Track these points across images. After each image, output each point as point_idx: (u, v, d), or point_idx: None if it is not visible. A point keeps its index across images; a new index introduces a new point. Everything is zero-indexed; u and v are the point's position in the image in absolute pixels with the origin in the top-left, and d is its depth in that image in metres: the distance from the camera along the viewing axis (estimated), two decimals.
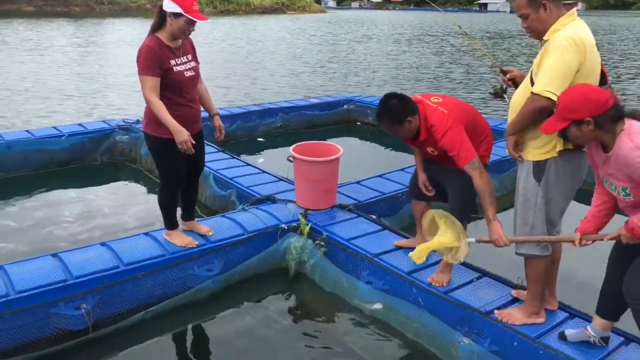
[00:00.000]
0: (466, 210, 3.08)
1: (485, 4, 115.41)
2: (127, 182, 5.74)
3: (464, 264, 3.21)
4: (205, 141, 3.57)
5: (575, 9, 2.56)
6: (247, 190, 4.45)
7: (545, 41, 2.50)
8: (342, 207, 4.11)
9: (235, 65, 15.79)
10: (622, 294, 2.29)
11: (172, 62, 3.11)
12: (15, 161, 5.61)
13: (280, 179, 4.75)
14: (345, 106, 8.45)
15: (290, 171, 4.27)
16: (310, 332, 3.23)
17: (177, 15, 3.02)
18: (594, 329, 2.55)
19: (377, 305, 3.27)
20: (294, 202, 4.14)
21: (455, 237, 2.62)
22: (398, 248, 3.53)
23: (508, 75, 2.94)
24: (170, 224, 3.49)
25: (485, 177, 2.80)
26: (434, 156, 3.09)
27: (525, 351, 2.64)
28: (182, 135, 3.03)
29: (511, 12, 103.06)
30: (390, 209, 4.43)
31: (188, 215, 3.64)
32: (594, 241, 2.36)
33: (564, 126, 2.14)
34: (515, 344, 2.68)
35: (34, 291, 2.87)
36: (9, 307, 2.79)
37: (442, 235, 2.64)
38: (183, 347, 3.15)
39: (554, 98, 2.36)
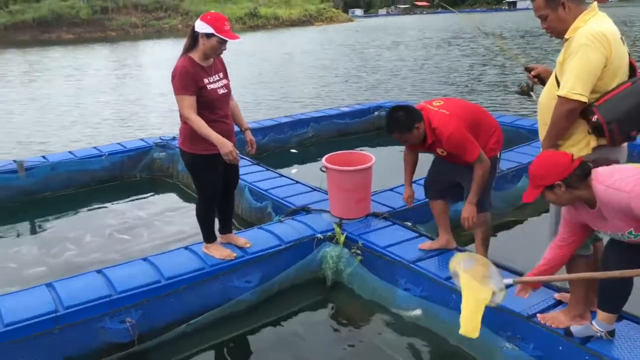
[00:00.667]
0: (484, 202, 3.22)
1: (514, 2, 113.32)
2: (165, 197, 5.90)
3: (503, 267, 3.15)
4: (240, 154, 3.64)
5: (595, 2, 2.51)
6: (282, 201, 4.50)
7: (567, 39, 2.47)
8: (376, 215, 4.10)
9: (265, 80, 16.00)
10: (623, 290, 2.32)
11: (206, 80, 3.19)
12: (60, 181, 5.84)
13: (314, 189, 4.79)
14: (376, 113, 8.44)
15: (324, 181, 4.30)
16: (351, 341, 3.23)
17: (209, 35, 3.10)
18: (600, 323, 2.49)
19: (417, 312, 3.24)
20: (328, 211, 4.16)
21: (482, 286, 2.50)
22: (435, 254, 3.49)
23: (533, 72, 2.92)
24: (209, 237, 3.56)
25: (485, 169, 3.03)
26: (445, 156, 3.23)
27: (570, 356, 2.57)
28: (226, 146, 3.10)
29: None
30: (425, 215, 4.37)
31: (225, 228, 3.71)
32: None
33: (538, 193, 2.24)
34: (560, 348, 2.61)
35: (81, 307, 2.97)
36: (57, 322, 2.90)
37: (471, 298, 2.50)
38: (224, 358, 3.19)
39: (584, 99, 2.35)
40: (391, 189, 4.66)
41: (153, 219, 5.18)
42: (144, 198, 5.84)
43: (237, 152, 3.17)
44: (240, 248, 3.62)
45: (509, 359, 2.75)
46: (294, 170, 6.43)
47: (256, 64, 20.24)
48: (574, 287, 2.66)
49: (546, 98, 2.63)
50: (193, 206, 3.55)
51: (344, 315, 3.54)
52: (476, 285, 2.50)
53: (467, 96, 11.56)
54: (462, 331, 2.50)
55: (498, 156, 3.30)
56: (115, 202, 5.67)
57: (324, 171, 4.09)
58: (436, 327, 3.16)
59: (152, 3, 60.78)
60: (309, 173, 5.66)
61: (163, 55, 25.21)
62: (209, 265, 3.42)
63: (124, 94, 13.94)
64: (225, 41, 3.15)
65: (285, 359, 3.07)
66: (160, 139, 6.65)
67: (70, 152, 6.28)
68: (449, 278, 3.18)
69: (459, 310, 2.99)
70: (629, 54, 2.52)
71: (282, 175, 5.26)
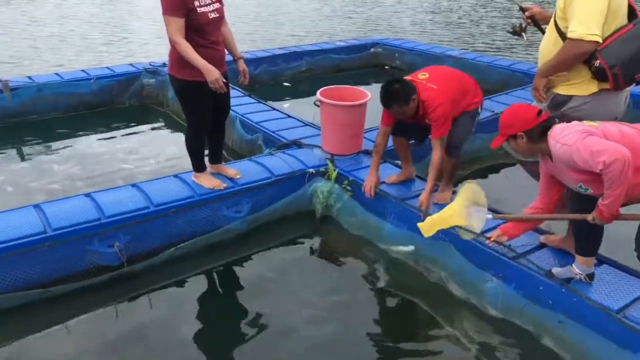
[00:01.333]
0: (457, 149, 3.41)
1: None
2: (155, 125, 5.81)
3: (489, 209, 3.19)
4: (230, 84, 3.54)
5: None
6: (274, 134, 4.45)
7: None
8: (368, 152, 4.08)
9: (258, 9, 15.44)
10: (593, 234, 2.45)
11: (196, 2, 3.05)
12: (47, 104, 5.70)
13: (306, 124, 4.72)
14: (372, 49, 8.23)
15: (316, 116, 4.24)
16: (336, 275, 3.31)
17: None
18: (579, 266, 2.58)
19: (403, 247, 3.30)
20: (320, 147, 4.13)
21: (465, 216, 2.54)
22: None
23: (527, 13, 2.92)
24: (198, 166, 3.53)
25: (441, 156, 3.20)
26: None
27: (551, 295, 2.65)
28: (212, 74, 3.01)
29: None
30: (416, 154, 4.35)
31: (216, 158, 3.68)
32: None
33: (504, 141, 2.43)
34: (540, 288, 2.68)
35: (69, 229, 2.97)
36: (47, 241, 2.91)
37: (450, 213, 2.55)
38: (212, 284, 3.26)
39: (599, 39, 2.33)
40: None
41: (142, 147, 5.12)
42: (134, 126, 5.74)
43: (225, 80, 3.07)
44: (230, 179, 3.60)
45: (494, 293, 2.83)
46: (286, 105, 6.33)
47: None
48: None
49: (547, 44, 2.61)
50: (183, 136, 3.49)
51: (331, 249, 3.60)
52: (460, 209, 2.55)
53: (467, 39, 11.28)
54: (420, 224, 2.66)
55: (479, 110, 3.46)
56: (105, 129, 5.57)
57: (317, 105, 4.02)
58: (422, 261, 3.23)
59: None
60: (302, 108, 5.57)
61: None
62: (198, 194, 3.41)
63: (115, 17, 13.41)
64: None
65: (272, 287, 3.14)
66: (150, 64, 6.45)
67: (57, 74, 6.08)
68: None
69: (444, 246, 3.07)
70: None
71: (274, 109, 5.17)
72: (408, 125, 3.44)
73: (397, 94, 3.13)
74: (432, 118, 3.18)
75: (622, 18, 2.43)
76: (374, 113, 4.47)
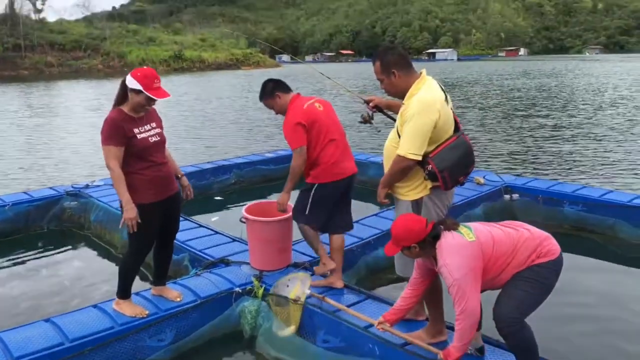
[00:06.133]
0: (300, 215, 3.75)
1: (434, 54, 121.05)
2: (75, 251, 5.54)
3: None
4: None
5: (424, 71, 2.98)
6: (200, 253, 4.38)
7: (404, 104, 2.89)
8: (297, 265, 4.08)
9: (184, 125, 15.79)
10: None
11: (136, 130, 3.18)
12: None
13: (234, 240, 4.70)
14: None
15: (245, 230, 4.24)
16: None
17: (137, 91, 3.12)
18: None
19: None
20: (248, 263, 4.09)
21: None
22: (354, 302, 3.52)
23: (371, 104, 3.41)
24: (124, 292, 3.40)
25: (297, 163, 3.59)
26: None
27: None
28: (130, 212, 3.10)
29: (459, 59, 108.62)
30: (345, 262, 4.42)
31: (160, 280, 3.61)
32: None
33: (398, 250, 2.67)
34: None
35: None
36: None
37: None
38: None
39: (418, 158, 2.81)
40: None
41: (60, 275, 4.84)
42: (51, 252, 5.45)
43: (139, 221, 3.12)
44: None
45: None
46: (214, 218, 6.31)
47: (176, 107, 19.96)
48: (430, 309, 3.07)
49: (389, 144, 3.04)
50: (106, 260, 3.36)
51: None
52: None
53: None
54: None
55: (339, 179, 3.68)
56: (18, 257, 5.25)
57: (243, 222, 4.04)
58: None
59: (70, 42, 58.94)
60: (231, 221, 5.55)
61: (82, 99, 24.30)
62: (118, 324, 3.23)
63: (38, 140, 13.19)
64: (154, 99, 3.17)
65: None
66: (72, 187, 6.32)
67: None
68: (368, 327, 3.20)
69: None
70: (453, 112, 2.96)
71: (201, 225, 5.13)
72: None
73: (266, 86, 3.75)
74: (284, 130, 3.71)
75: (449, 130, 2.89)
76: None
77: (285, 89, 3.77)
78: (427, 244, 2.60)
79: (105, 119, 3.17)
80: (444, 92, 2.97)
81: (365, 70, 52.82)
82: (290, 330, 3.43)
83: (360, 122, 3.59)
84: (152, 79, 3.13)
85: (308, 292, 3.54)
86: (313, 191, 3.64)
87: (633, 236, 5.38)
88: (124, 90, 3.19)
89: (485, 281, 2.53)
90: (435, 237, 2.60)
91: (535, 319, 2.56)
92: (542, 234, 2.60)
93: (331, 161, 3.61)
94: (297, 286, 3.60)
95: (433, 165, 2.82)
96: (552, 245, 2.56)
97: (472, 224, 2.67)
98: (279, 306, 3.54)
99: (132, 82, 3.12)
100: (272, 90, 3.74)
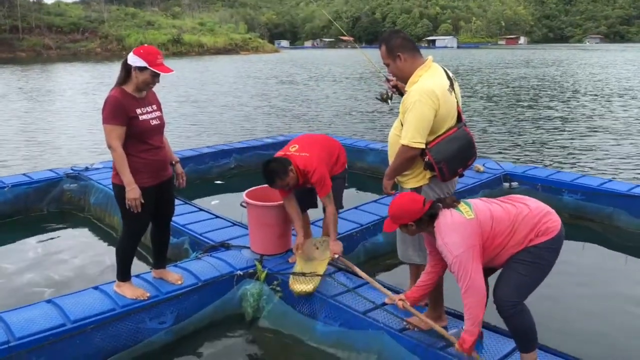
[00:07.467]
0: (338, 202, 3.89)
1: (434, 41, 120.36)
2: (75, 233, 5.54)
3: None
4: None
5: (430, 58, 2.95)
6: (201, 237, 4.39)
7: (406, 92, 2.87)
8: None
9: (186, 110, 15.73)
10: None
11: (138, 110, 3.17)
12: None
13: (235, 224, 4.71)
14: None
15: (245, 214, 4.25)
16: None
17: (142, 69, 3.11)
18: None
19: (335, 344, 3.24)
20: (249, 247, 4.10)
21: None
22: (354, 286, 3.54)
23: (391, 83, 3.41)
24: (124, 275, 3.41)
25: (334, 210, 3.72)
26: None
27: None
28: (133, 192, 3.10)
29: (459, 47, 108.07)
30: (346, 248, 4.44)
31: (159, 263, 3.62)
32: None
33: (396, 227, 2.72)
34: None
35: None
36: None
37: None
38: None
39: (422, 146, 2.81)
40: (312, 223, 4.69)
41: (61, 257, 4.85)
42: (52, 234, 5.45)
43: (142, 202, 3.14)
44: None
45: None
46: (214, 202, 6.31)
47: (177, 93, 19.87)
48: (430, 294, 3.03)
49: (394, 134, 3.04)
50: (105, 242, 3.37)
51: (264, 353, 3.47)
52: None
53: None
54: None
55: (346, 167, 3.99)
56: (18, 239, 5.25)
57: (244, 206, 4.05)
58: (353, 358, 3.16)
59: (67, 25, 58.34)
60: (231, 206, 5.56)
61: (80, 82, 24.15)
62: (119, 305, 3.25)
63: (37, 123, 13.13)
64: (158, 74, 3.17)
65: None
66: (72, 169, 6.30)
67: None
68: (366, 311, 3.23)
69: (375, 341, 3.06)
70: (458, 102, 2.94)
71: (201, 209, 5.14)
72: (297, 192, 3.79)
73: (275, 170, 3.52)
74: (314, 182, 3.60)
75: (450, 121, 2.88)
76: None
77: (288, 161, 3.62)
78: (424, 222, 2.63)
79: (106, 98, 3.14)
80: (451, 79, 2.94)
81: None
82: (312, 286, 3.51)
83: (377, 99, 3.63)
84: (156, 55, 3.13)
85: (336, 256, 3.71)
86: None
87: (631, 225, 5.41)
88: (126, 70, 3.17)
89: (484, 260, 2.54)
90: (432, 215, 2.62)
91: (535, 315, 2.58)
92: (541, 210, 2.58)
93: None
94: (327, 249, 3.82)
95: (430, 157, 2.83)
96: (550, 222, 2.55)
97: (472, 201, 2.66)
98: (309, 261, 3.76)
99: (136, 60, 3.10)
100: (285, 169, 3.56)
